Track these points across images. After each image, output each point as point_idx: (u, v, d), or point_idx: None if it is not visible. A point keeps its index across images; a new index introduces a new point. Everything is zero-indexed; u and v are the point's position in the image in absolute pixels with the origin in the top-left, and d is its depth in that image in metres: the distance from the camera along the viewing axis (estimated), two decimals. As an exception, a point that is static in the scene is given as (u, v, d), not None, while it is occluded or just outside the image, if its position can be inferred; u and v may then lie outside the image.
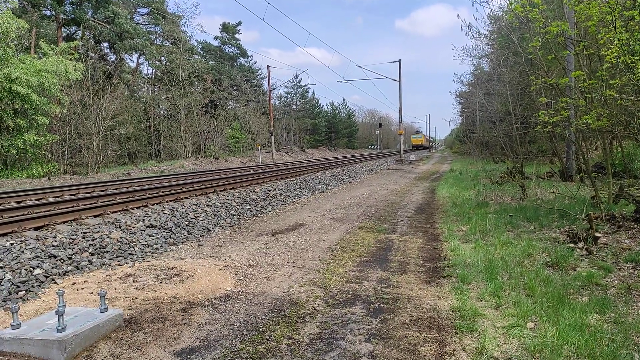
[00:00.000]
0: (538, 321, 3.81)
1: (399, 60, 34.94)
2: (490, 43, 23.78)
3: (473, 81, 37.14)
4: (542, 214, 8.63)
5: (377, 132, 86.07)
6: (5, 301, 4.51)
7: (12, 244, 6.00)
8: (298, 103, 67.60)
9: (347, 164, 29.19)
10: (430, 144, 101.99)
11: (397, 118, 47.60)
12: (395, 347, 3.43)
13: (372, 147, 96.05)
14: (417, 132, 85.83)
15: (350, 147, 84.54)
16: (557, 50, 9.53)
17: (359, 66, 46.62)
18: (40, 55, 25.01)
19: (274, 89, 50.48)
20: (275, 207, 11.41)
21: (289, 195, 13.31)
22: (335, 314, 4.12)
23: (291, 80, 64.63)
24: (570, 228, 7.04)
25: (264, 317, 4.05)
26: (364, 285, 4.97)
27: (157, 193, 11.14)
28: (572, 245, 6.23)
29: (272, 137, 39.79)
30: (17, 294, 4.73)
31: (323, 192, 15.08)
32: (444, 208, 10.90)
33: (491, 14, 21.18)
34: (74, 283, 5.09)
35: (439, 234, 7.82)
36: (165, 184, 13.94)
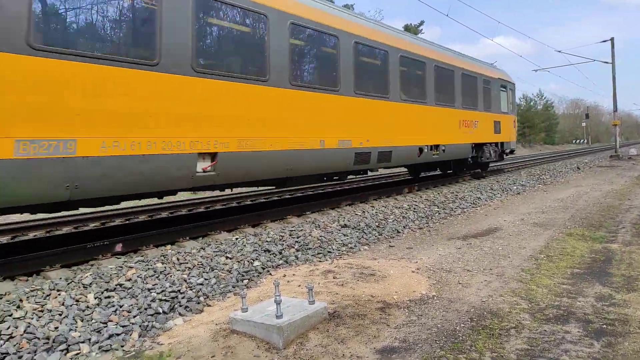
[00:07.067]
0: None
1: (612, 39, 29.84)
2: None
3: None
4: None
5: (583, 124, 74.64)
6: (234, 287, 5.36)
7: (236, 239, 7.10)
8: (486, 98, 63.48)
9: (546, 162, 26.15)
10: None
11: (608, 107, 40.65)
12: (627, 378, 2.91)
13: (577, 141, 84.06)
14: None
15: (549, 142, 75.33)
16: None
17: (559, 51, 41.26)
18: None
19: (459, 86, 48.43)
20: (464, 210, 10.92)
21: (479, 197, 12.57)
22: (544, 330, 3.72)
23: (477, 75, 61.07)
24: None
25: (462, 325, 3.90)
26: (579, 301, 4.36)
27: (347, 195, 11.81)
28: None
29: (458, 136, 38.25)
30: (242, 281, 5.57)
31: (519, 193, 13.79)
32: (684, 213, 8.84)
33: None
34: (284, 275, 5.75)
35: (679, 246, 6.37)
36: (354, 187, 14.71)
